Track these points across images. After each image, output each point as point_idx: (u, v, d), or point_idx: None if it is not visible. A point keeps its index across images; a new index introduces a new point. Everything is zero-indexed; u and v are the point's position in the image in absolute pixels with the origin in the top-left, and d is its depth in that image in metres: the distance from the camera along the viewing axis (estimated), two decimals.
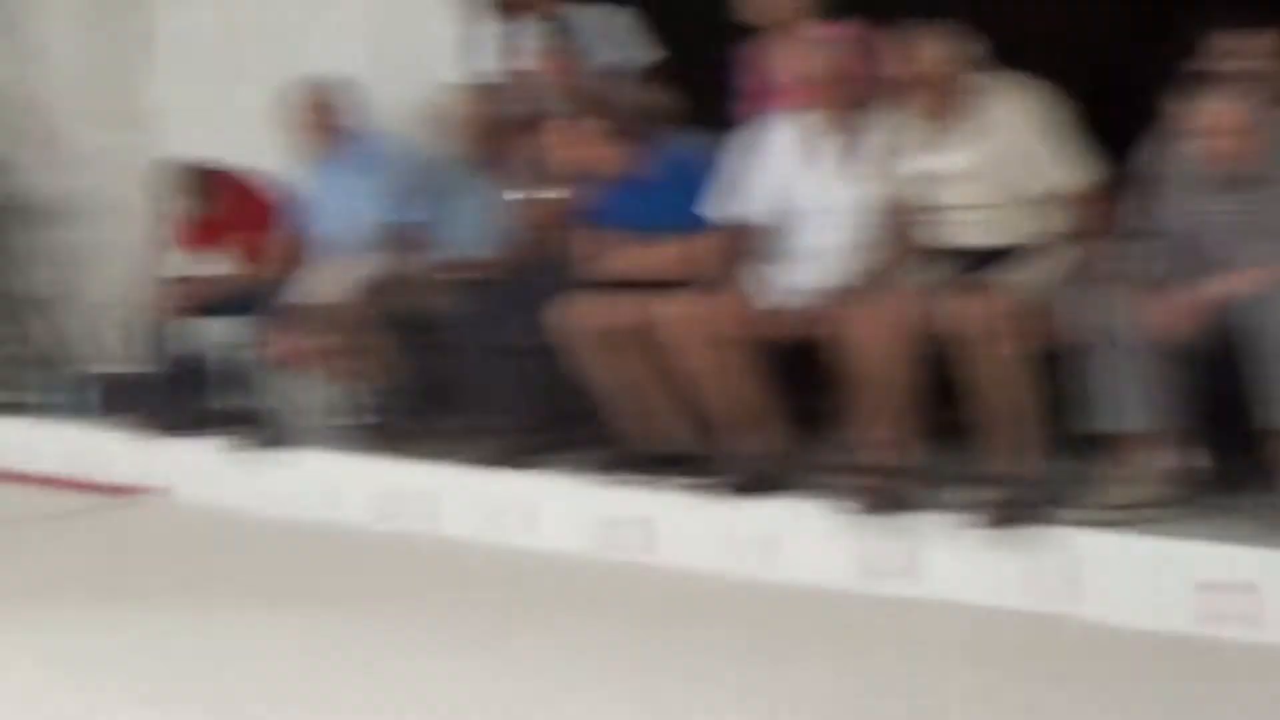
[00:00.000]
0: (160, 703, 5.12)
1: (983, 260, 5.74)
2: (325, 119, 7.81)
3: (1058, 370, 5.47)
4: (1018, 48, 5.82)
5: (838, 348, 5.69)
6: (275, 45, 8.34)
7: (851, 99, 6.07)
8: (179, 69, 8.88)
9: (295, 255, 7.84)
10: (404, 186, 7.63)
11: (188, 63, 8.83)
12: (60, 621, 6.07)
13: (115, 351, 9.03)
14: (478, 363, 6.96)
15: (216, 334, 8.28)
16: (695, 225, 6.36)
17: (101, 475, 8.44)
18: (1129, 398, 5.34)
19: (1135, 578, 5.24)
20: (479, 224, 7.30)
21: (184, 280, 8.21)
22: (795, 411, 6.10)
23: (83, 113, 9.40)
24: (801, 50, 6.16)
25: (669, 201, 6.46)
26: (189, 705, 5.09)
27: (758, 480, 6.08)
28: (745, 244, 6.29)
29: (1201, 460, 5.52)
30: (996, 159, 5.76)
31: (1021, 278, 5.65)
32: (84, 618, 6.13)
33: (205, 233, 8.19)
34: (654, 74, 7.15)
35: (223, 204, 8.11)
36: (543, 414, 6.94)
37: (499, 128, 7.32)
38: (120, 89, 9.18)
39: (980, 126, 5.80)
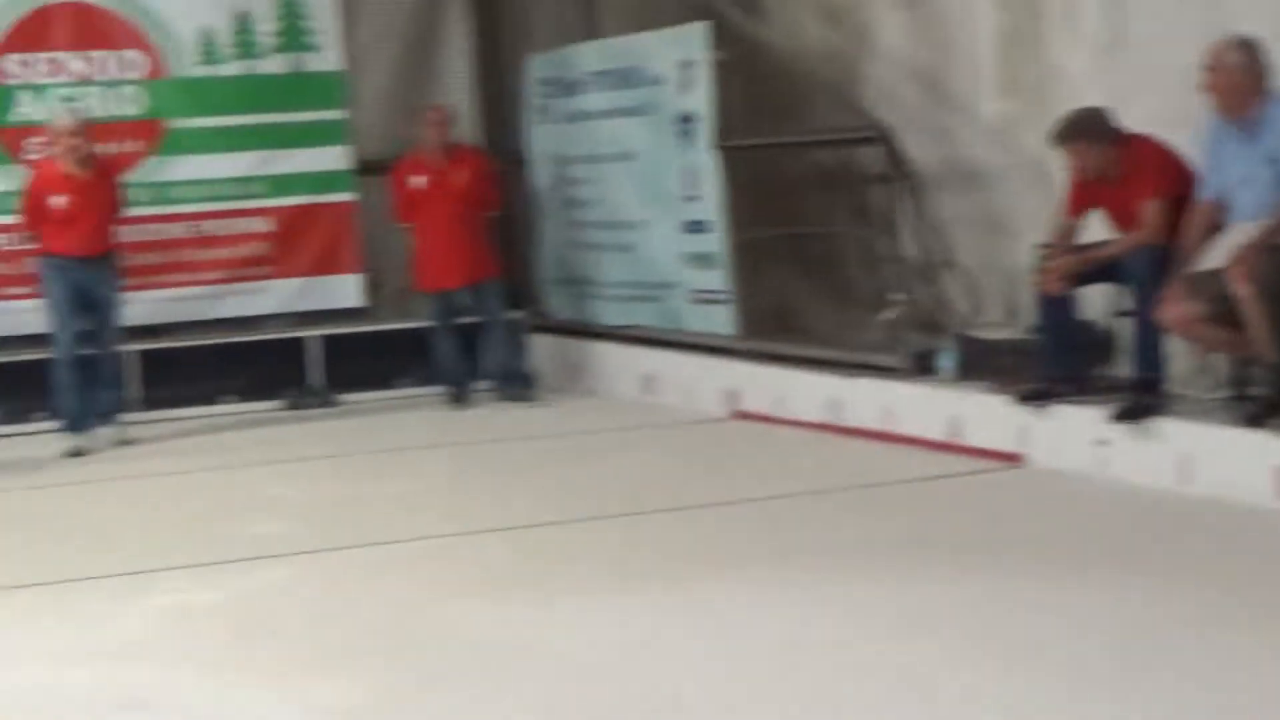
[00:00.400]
0: (1000, 660, 5.35)
1: None
2: (1244, 80, 7.61)
3: None
4: None
5: None
6: (1170, 5, 8.30)
7: None
8: (1077, 32, 8.97)
9: (1201, 222, 7.74)
10: None
11: (1086, 25, 8.91)
12: (911, 579, 6.43)
13: (998, 318, 9.29)
14: None
15: (1100, 300, 8.34)
16: None
17: (968, 440, 8.75)
18: None
19: None
20: None
21: (1074, 247, 8.30)
22: None
23: (982, 80, 9.65)
24: None
25: None
26: (1033, 665, 5.29)
27: None
28: None
29: None
30: None
31: None
32: (933, 577, 6.45)
33: (1101, 197, 8.22)
34: None
35: (1121, 168, 8.10)
36: None
37: None
38: (1019, 55, 9.37)
39: None
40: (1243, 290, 7.20)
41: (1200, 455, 7.48)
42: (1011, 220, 9.46)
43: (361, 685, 5.52)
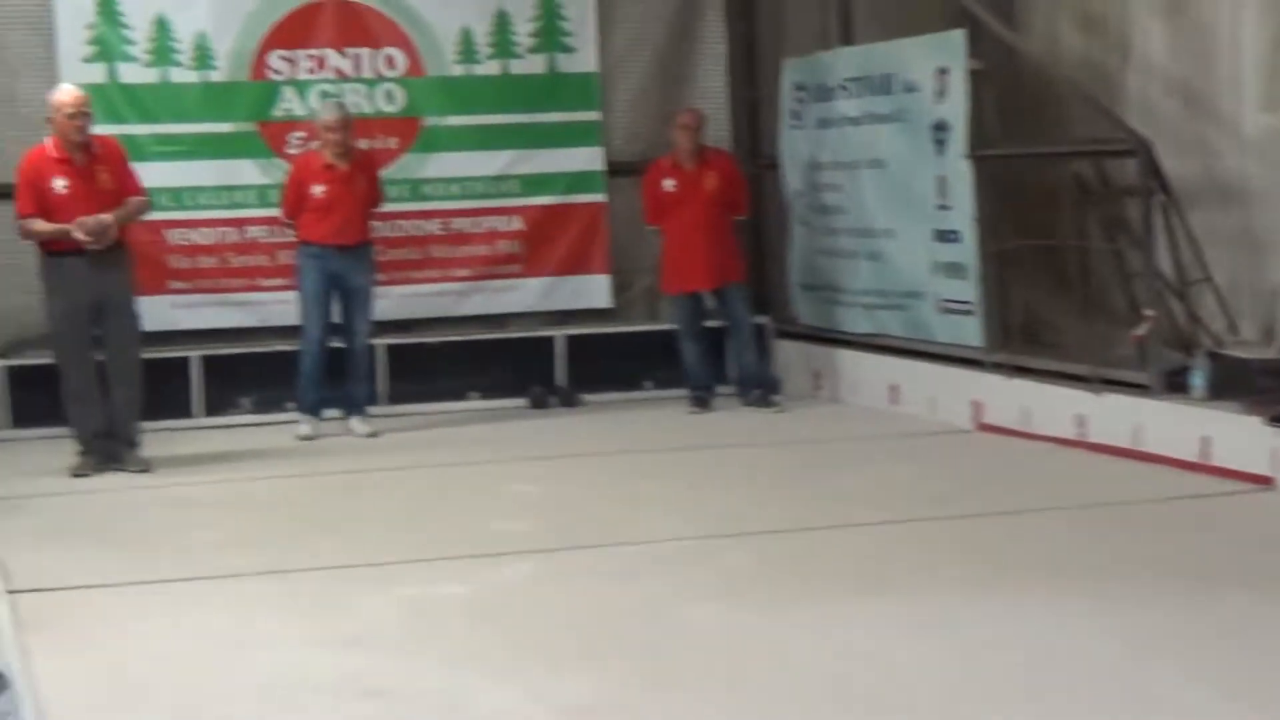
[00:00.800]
0: (1235, 689, 5.37)
1: None
2: None
3: None
4: None
5: None
6: None
7: None
8: None
9: None
10: None
11: None
12: (1155, 600, 6.43)
13: (1254, 337, 9.17)
14: None
15: None
16: None
17: (1217, 461, 8.67)
18: None
19: None
20: None
21: None
22: None
23: (1246, 93, 9.53)
24: None
25: None
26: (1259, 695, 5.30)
27: None
28: None
29: None
30: None
31: None
32: (1177, 598, 6.46)
33: None
34: None
35: None
36: None
37: None
38: None
39: None
40: None
41: None
42: (1272, 238, 9.35)
43: (595, 684, 5.69)
